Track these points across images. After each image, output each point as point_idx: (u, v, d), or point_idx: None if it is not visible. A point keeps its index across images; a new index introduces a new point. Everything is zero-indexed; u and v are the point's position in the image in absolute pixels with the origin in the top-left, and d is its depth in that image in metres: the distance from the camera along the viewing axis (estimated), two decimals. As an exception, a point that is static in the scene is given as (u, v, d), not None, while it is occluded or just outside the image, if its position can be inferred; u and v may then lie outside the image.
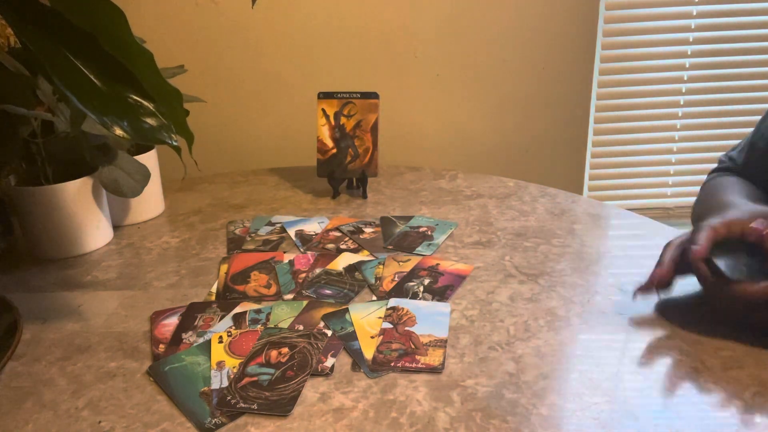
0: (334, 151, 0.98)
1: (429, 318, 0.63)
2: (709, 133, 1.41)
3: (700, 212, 0.78)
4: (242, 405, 0.51)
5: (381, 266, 0.74)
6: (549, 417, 0.49)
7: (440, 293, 0.68)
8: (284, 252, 0.79)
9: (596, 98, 1.35)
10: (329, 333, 0.61)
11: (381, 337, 0.60)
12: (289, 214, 0.92)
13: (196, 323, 0.63)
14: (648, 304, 0.65)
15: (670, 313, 0.64)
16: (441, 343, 0.59)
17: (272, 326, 0.62)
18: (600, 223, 0.86)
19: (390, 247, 0.80)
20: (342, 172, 0.98)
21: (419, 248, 0.79)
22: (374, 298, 0.68)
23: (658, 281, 0.62)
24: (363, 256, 0.78)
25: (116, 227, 0.88)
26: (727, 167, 0.84)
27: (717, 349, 0.57)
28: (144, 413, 0.51)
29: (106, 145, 0.81)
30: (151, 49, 0.53)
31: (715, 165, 0.87)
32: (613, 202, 1.20)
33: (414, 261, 0.75)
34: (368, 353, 0.58)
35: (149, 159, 0.88)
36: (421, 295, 0.68)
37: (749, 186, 0.77)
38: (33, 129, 0.75)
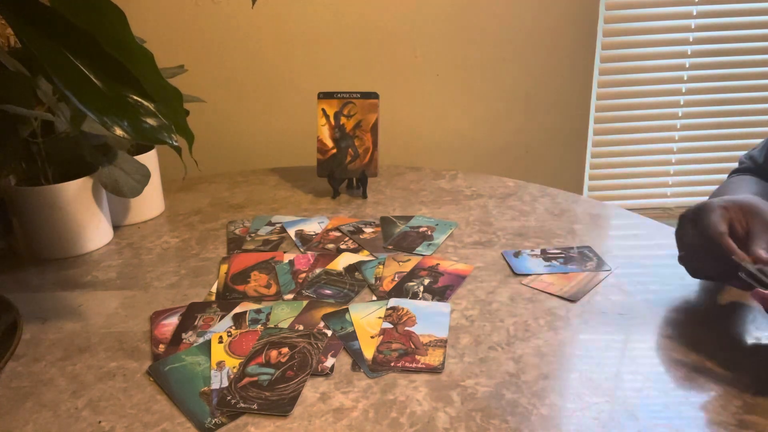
0: (334, 151, 0.98)
1: (429, 318, 0.63)
2: (709, 133, 1.41)
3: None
4: (242, 405, 0.51)
5: (381, 266, 0.74)
6: (549, 417, 0.49)
7: (440, 293, 0.68)
8: (284, 252, 0.79)
9: (596, 98, 1.35)
10: (329, 333, 0.61)
11: (381, 337, 0.60)
12: (289, 214, 0.92)
13: (196, 323, 0.63)
14: (647, 303, 0.65)
15: (671, 313, 0.64)
16: (441, 343, 0.59)
17: (272, 326, 0.62)
18: (600, 223, 0.86)
19: (390, 247, 0.80)
20: (342, 172, 0.98)
21: (419, 248, 0.79)
22: (374, 298, 0.68)
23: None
24: (363, 256, 0.78)
25: (116, 227, 0.88)
26: (747, 167, 0.83)
27: (717, 350, 0.57)
28: (144, 413, 0.51)
29: (106, 145, 0.81)
30: (151, 49, 0.53)
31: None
32: (613, 202, 1.20)
33: (414, 261, 0.75)
34: (368, 353, 0.58)
35: (149, 159, 0.88)
36: (421, 295, 0.68)
37: (765, 185, 0.77)
38: (33, 129, 0.75)
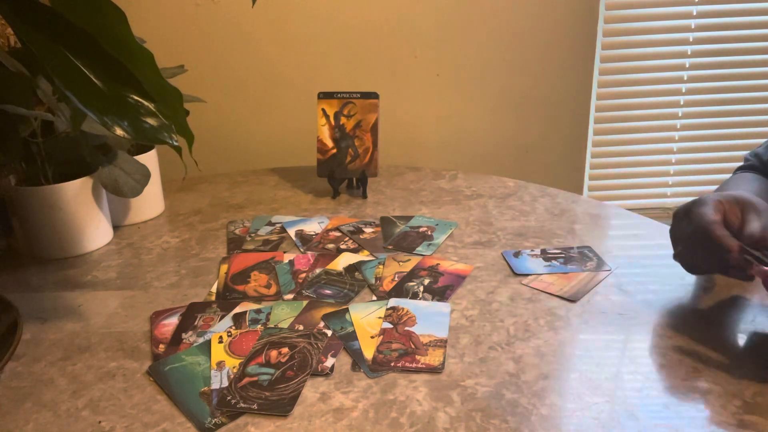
0: (334, 151, 0.98)
1: (429, 318, 0.63)
2: (709, 133, 1.41)
3: None
4: (242, 405, 0.51)
5: (381, 266, 0.74)
6: (549, 417, 0.49)
7: (440, 293, 0.68)
8: (284, 252, 0.79)
9: (596, 98, 1.35)
10: (329, 333, 0.61)
11: (381, 337, 0.60)
12: (289, 214, 0.92)
13: (196, 323, 0.63)
14: (647, 303, 0.65)
15: (671, 313, 0.64)
16: (441, 343, 0.59)
17: (272, 326, 0.62)
18: (600, 223, 0.86)
19: (390, 247, 0.80)
20: (342, 172, 0.98)
21: (419, 248, 0.79)
22: (374, 298, 0.68)
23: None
24: (363, 256, 0.78)
25: (116, 227, 0.88)
26: (751, 165, 0.82)
27: (717, 349, 0.57)
28: (144, 413, 0.51)
29: (106, 145, 0.81)
30: (151, 49, 0.53)
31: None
32: (613, 202, 1.20)
33: (414, 261, 0.75)
34: (368, 353, 0.58)
35: (149, 159, 0.88)
36: (421, 295, 0.68)
37: (758, 182, 0.76)
38: (33, 129, 0.75)
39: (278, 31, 1.23)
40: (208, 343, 0.59)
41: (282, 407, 0.51)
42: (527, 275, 0.71)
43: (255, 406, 0.51)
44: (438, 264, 0.75)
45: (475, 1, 1.22)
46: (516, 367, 0.55)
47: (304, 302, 0.67)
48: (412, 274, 0.72)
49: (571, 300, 0.66)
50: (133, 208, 0.89)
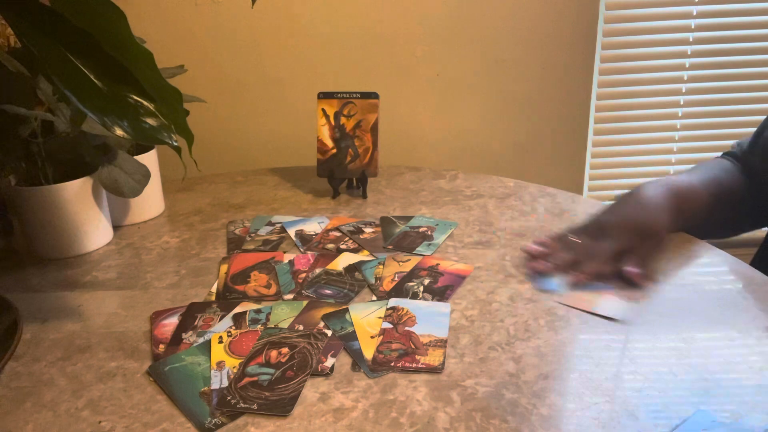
0: (334, 151, 0.98)
1: (429, 318, 0.63)
2: (710, 133, 1.41)
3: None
4: (242, 405, 0.51)
5: (381, 266, 0.74)
6: (549, 417, 0.49)
7: (440, 293, 0.68)
8: (284, 252, 0.79)
9: (596, 98, 1.35)
10: (329, 333, 0.61)
11: (381, 337, 0.60)
12: (289, 214, 0.92)
13: (196, 323, 0.63)
14: (647, 304, 0.65)
15: (671, 313, 0.64)
16: (441, 343, 0.59)
17: (272, 326, 0.62)
18: (600, 223, 0.86)
19: (390, 247, 0.80)
20: (342, 172, 0.98)
21: (419, 248, 0.79)
22: (374, 298, 0.68)
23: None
24: (363, 256, 0.78)
25: (116, 227, 0.88)
26: (733, 153, 0.86)
27: (716, 349, 0.57)
28: (144, 413, 0.51)
29: (106, 145, 0.81)
30: (151, 49, 0.53)
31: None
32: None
33: (414, 261, 0.75)
34: (368, 353, 0.58)
35: (149, 159, 0.88)
36: (421, 295, 0.68)
37: (723, 172, 0.82)
38: (33, 129, 0.75)
39: (278, 31, 1.23)
40: (208, 343, 0.59)
41: (282, 407, 0.51)
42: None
43: (255, 406, 0.51)
44: (438, 264, 0.75)
45: (476, 2, 1.22)
46: (516, 367, 0.55)
47: (304, 302, 0.67)
48: (412, 274, 0.72)
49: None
50: (133, 208, 0.89)
